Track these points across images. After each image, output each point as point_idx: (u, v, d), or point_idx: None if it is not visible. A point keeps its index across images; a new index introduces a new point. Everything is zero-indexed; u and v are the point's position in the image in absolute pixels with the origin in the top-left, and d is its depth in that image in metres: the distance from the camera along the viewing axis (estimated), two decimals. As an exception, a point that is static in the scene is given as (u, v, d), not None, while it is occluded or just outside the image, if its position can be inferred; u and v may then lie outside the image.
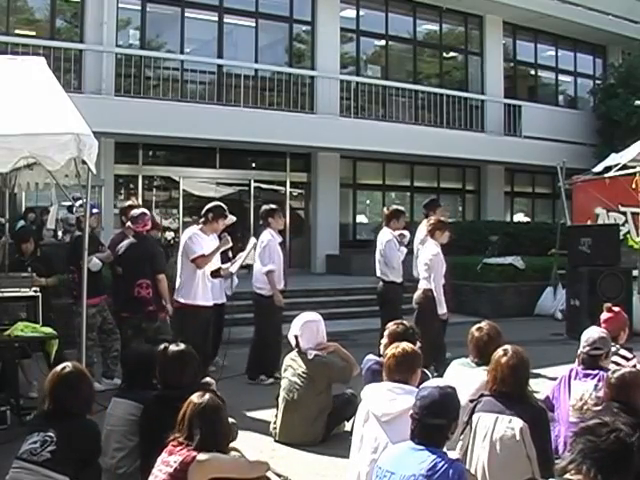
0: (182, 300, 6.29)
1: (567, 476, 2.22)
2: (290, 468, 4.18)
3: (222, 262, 6.70)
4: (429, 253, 7.32)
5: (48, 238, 11.01)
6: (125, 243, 6.80)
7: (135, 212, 6.91)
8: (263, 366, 7.22)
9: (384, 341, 4.62)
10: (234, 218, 7.01)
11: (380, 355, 4.69)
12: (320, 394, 5.35)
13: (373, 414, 3.82)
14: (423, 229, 8.06)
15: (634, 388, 3.52)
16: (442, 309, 7.23)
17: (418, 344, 4.64)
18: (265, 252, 7.17)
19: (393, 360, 3.85)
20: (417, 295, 7.40)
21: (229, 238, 6.38)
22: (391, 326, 4.70)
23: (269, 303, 7.23)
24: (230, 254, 6.94)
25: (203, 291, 6.30)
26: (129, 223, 6.92)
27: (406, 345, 3.94)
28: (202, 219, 6.41)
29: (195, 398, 3.30)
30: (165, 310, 6.81)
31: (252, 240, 7.14)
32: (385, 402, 3.77)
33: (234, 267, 6.80)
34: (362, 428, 3.93)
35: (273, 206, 7.64)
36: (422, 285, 7.39)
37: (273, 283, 7.17)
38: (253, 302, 7.47)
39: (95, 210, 7.63)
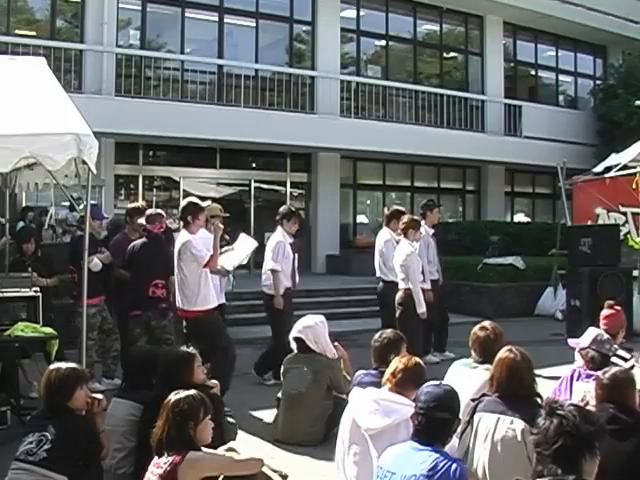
0: (199, 308, 6.12)
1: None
2: (290, 468, 4.18)
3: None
4: (403, 253, 7.38)
5: (47, 239, 11.02)
6: (138, 242, 6.80)
7: (151, 212, 6.93)
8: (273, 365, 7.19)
9: (374, 353, 4.69)
10: (209, 202, 6.90)
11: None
12: (323, 394, 5.36)
13: (359, 426, 3.82)
14: (423, 232, 8.13)
15: (627, 388, 3.51)
16: (421, 308, 7.28)
17: (405, 345, 4.70)
18: (274, 252, 7.15)
19: (401, 374, 3.84)
20: (398, 296, 7.45)
21: (218, 223, 6.26)
22: (376, 338, 4.73)
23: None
24: (227, 237, 6.86)
25: (213, 293, 6.25)
26: (141, 220, 6.91)
27: (413, 360, 3.94)
28: (182, 224, 6.26)
29: (171, 397, 3.32)
30: (174, 309, 6.85)
31: (244, 238, 7.01)
32: (369, 414, 3.76)
33: (229, 266, 6.74)
34: (348, 433, 3.93)
35: (293, 209, 7.64)
36: (401, 285, 7.44)
37: (276, 283, 7.12)
38: (263, 303, 7.43)
39: (106, 215, 7.69)
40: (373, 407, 3.77)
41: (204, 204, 6.41)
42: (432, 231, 8.51)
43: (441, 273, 8.70)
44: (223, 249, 6.69)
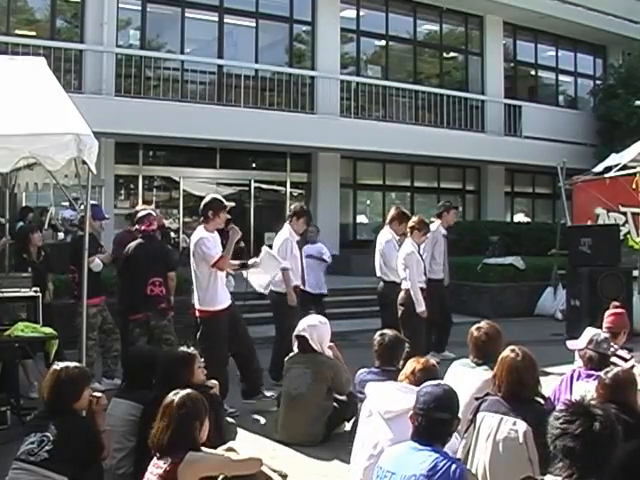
0: (206, 308, 6.08)
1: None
2: (290, 468, 4.18)
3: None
4: (404, 252, 7.44)
5: (47, 239, 11.01)
6: (133, 244, 6.82)
7: (141, 213, 6.96)
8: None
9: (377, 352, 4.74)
10: (232, 204, 6.80)
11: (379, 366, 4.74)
12: (323, 395, 5.36)
13: (377, 411, 3.83)
14: (434, 228, 8.37)
15: (629, 388, 3.50)
16: (420, 307, 7.30)
17: (407, 346, 4.72)
18: (281, 250, 7.10)
19: (420, 373, 3.88)
20: (400, 296, 7.48)
21: (237, 228, 6.18)
22: (378, 338, 4.75)
23: (286, 301, 7.12)
24: (242, 244, 6.76)
25: (223, 293, 6.17)
26: (136, 225, 6.96)
27: (430, 361, 4.02)
28: (202, 218, 6.19)
29: (174, 398, 3.31)
30: (173, 308, 6.86)
31: (268, 255, 6.97)
32: (391, 400, 3.78)
33: (258, 287, 6.70)
34: (364, 424, 3.95)
35: (305, 208, 7.64)
36: (404, 285, 7.48)
37: (287, 281, 7.06)
38: (270, 301, 7.40)
39: (107, 215, 7.73)
40: (396, 394, 3.79)
41: (227, 203, 6.32)
42: (444, 232, 8.66)
43: (448, 273, 8.75)
44: (250, 263, 6.58)
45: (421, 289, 7.46)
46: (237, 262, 6.50)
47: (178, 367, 4.18)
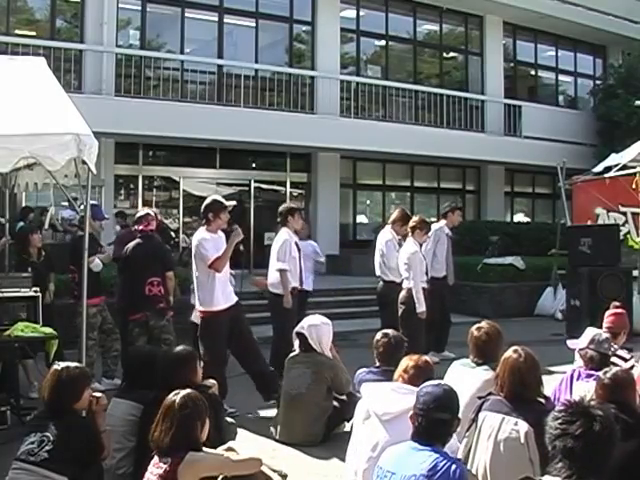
0: (205, 308, 6.10)
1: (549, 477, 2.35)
2: (290, 468, 4.18)
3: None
4: (407, 252, 7.47)
5: (47, 239, 11.02)
6: (131, 244, 6.83)
7: (140, 213, 6.97)
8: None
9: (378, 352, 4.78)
10: (234, 202, 6.73)
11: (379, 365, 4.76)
12: (323, 395, 5.36)
13: (374, 413, 3.82)
14: (437, 227, 8.52)
15: (628, 387, 3.50)
16: (421, 307, 7.31)
17: (406, 345, 4.74)
18: (281, 251, 7.08)
19: (412, 370, 3.89)
20: (401, 295, 7.51)
21: (239, 230, 6.15)
22: (379, 338, 4.76)
23: (282, 302, 7.08)
24: (241, 247, 6.71)
25: (223, 294, 6.14)
26: (135, 225, 6.98)
27: (422, 358, 4.02)
28: (203, 220, 6.17)
29: (175, 398, 3.31)
30: (172, 308, 6.86)
31: None
32: (388, 401, 3.78)
33: None
34: (361, 426, 3.95)
35: (293, 205, 7.68)
36: (406, 284, 7.50)
37: (285, 283, 7.04)
38: (269, 302, 7.40)
39: (107, 215, 7.74)
40: (392, 395, 3.78)
41: (228, 203, 6.28)
42: (448, 231, 8.71)
43: (452, 273, 8.80)
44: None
45: (423, 288, 7.48)
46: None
47: (178, 367, 4.18)
